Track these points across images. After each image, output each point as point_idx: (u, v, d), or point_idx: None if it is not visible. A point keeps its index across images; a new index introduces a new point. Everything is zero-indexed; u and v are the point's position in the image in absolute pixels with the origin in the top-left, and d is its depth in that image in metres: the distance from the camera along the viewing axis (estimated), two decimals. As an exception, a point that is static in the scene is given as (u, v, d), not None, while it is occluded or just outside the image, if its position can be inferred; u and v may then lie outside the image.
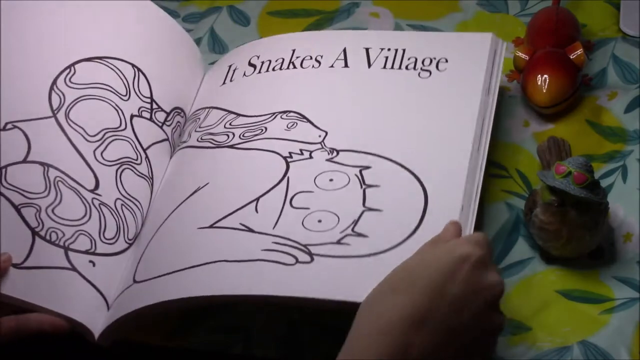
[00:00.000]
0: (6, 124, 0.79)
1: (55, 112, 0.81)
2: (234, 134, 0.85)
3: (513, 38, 0.98)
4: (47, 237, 0.76)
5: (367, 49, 0.89)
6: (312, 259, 0.72)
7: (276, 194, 0.78)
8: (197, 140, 0.86)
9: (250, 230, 0.76)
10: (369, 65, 0.87)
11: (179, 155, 0.86)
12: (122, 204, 0.80)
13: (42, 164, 0.79)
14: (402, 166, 0.78)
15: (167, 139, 0.87)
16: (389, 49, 0.88)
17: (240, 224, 0.76)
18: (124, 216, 0.80)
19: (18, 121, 0.80)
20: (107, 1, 0.88)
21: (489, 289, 0.66)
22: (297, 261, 0.72)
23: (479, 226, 0.78)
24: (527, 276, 0.80)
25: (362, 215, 0.74)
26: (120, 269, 0.78)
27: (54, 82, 0.83)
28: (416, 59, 0.87)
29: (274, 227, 0.75)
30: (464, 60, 0.86)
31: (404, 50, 0.88)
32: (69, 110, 0.82)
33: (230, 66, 0.93)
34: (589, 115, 0.91)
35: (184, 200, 0.81)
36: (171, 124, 0.88)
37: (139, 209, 0.82)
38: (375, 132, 0.81)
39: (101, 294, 0.76)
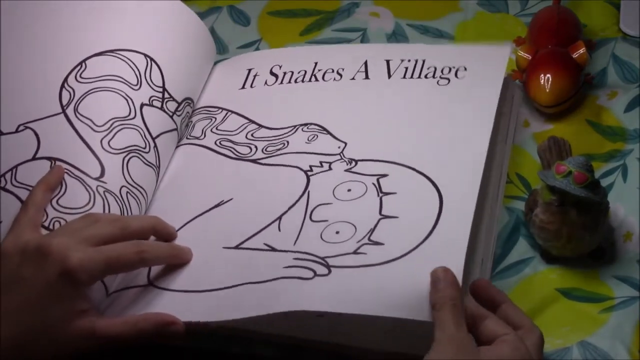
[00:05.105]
0: (19, 126, 0.81)
1: (65, 107, 0.82)
2: (256, 147, 0.85)
3: (514, 38, 0.98)
4: (51, 228, 0.76)
5: (387, 61, 0.89)
6: (330, 271, 0.72)
7: (297, 209, 0.78)
8: (216, 143, 0.86)
9: (273, 249, 0.76)
10: (389, 76, 0.88)
11: (193, 153, 0.87)
12: (127, 192, 0.80)
13: (49, 158, 0.79)
14: (418, 171, 0.78)
15: (176, 129, 0.87)
16: (409, 60, 0.89)
17: (264, 244, 0.76)
18: (129, 203, 0.80)
19: (30, 122, 0.81)
20: None
21: None
22: (315, 274, 0.72)
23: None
24: (527, 275, 0.80)
25: (378, 224, 0.74)
26: None
27: (65, 79, 0.83)
28: (435, 68, 0.87)
29: (295, 243, 0.75)
30: (483, 68, 0.85)
31: (423, 61, 0.88)
32: (78, 105, 0.82)
33: (249, 70, 0.93)
34: (589, 115, 0.91)
35: (207, 211, 0.81)
36: (181, 114, 0.88)
37: (144, 197, 0.82)
38: (394, 140, 0.82)
39: (103, 282, 0.75)
